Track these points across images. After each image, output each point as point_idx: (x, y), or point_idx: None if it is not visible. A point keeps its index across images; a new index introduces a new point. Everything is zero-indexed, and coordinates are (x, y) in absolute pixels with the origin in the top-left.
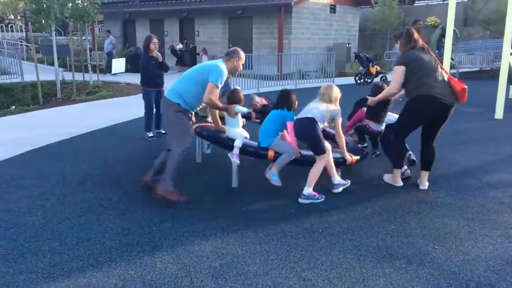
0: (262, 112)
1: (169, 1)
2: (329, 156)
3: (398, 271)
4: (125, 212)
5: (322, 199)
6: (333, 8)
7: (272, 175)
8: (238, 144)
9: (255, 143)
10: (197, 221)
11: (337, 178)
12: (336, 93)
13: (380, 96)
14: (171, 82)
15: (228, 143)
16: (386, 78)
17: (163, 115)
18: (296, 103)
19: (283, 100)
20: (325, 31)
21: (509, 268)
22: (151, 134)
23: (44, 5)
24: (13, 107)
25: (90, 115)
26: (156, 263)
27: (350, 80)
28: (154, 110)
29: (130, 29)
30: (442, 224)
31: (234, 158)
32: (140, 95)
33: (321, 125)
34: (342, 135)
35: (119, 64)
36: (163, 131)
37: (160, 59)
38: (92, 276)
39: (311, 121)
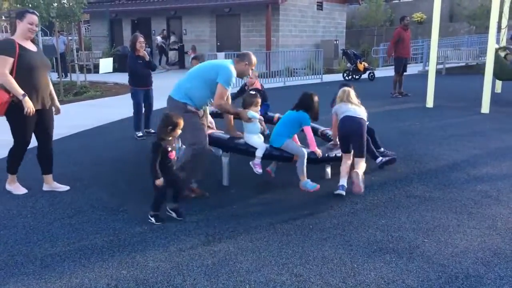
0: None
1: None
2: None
3: (388, 265)
4: (116, 212)
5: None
6: (320, 5)
7: (305, 184)
8: (259, 154)
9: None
10: (189, 220)
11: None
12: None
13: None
14: (159, 81)
15: (250, 151)
16: (374, 75)
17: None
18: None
19: (303, 102)
20: (313, 28)
21: (497, 259)
22: (140, 134)
23: (30, 5)
24: None
25: (79, 116)
26: (148, 262)
27: (338, 76)
28: (143, 109)
29: (117, 28)
30: (431, 218)
31: (257, 168)
32: (129, 95)
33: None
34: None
35: (106, 64)
36: (152, 131)
37: (147, 58)
38: (85, 277)
39: (365, 123)
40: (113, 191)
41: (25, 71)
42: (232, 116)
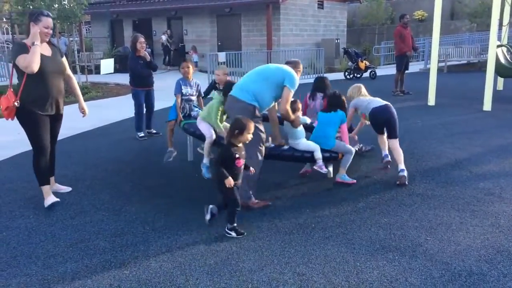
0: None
1: (156, 0)
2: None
3: (391, 263)
4: (118, 212)
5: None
6: (320, 4)
7: (343, 176)
8: (320, 155)
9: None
10: (191, 219)
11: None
12: None
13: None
14: (160, 82)
15: (306, 156)
16: (375, 73)
17: (232, 116)
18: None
19: (337, 102)
20: (314, 27)
21: (500, 257)
22: (142, 134)
23: (30, 7)
24: None
25: (80, 117)
26: (150, 262)
27: (340, 75)
28: (144, 109)
29: (117, 29)
30: (433, 215)
31: (324, 168)
32: (130, 95)
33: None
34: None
35: (107, 65)
36: (154, 131)
37: (148, 58)
38: (87, 277)
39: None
40: (115, 191)
41: (35, 76)
42: (277, 123)
